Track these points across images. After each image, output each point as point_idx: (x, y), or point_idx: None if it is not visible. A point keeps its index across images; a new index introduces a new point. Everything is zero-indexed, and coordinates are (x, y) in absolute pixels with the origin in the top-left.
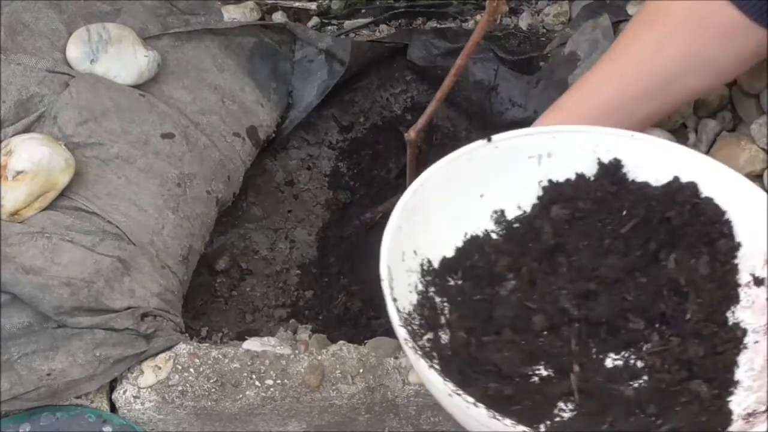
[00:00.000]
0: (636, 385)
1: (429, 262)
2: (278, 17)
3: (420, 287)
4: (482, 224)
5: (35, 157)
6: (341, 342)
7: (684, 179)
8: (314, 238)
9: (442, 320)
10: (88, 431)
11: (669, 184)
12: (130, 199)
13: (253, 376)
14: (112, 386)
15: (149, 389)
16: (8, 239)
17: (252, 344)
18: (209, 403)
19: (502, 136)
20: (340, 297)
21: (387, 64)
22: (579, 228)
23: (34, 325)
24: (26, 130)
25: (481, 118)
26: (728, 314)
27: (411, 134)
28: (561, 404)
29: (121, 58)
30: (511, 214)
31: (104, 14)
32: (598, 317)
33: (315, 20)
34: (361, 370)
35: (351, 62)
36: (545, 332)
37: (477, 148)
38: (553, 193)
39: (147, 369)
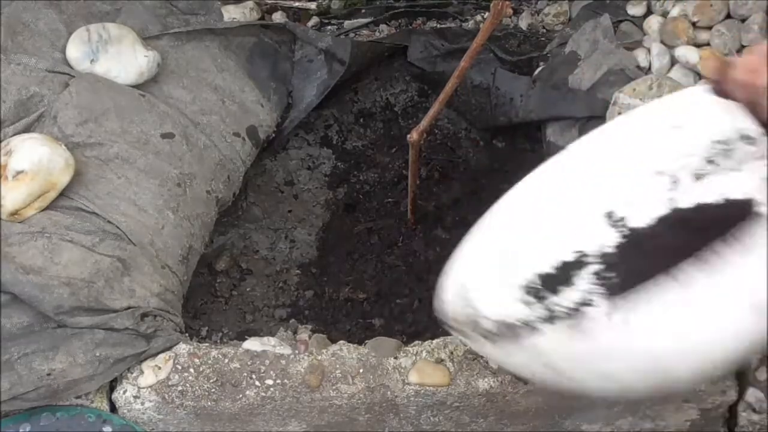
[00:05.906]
0: None
1: None
2: (278, 17)
3: None
4: None
5: (35, 157)
6: (341, 342)
7: None
8: (314, 238)
9: None
10: (88, 431)
11: None
12: (130, 199)
13: (253, 376)
14: (112, 386)
15: (149, 389)
16: (8, 239)
17: (252, 344)
18: (209, 403)
19: None
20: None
21: (387, 64)
22: None
23: (34, 325)
24: (26, 130)
25: (481, 119)
26: None
27: (413, 135)
28: None
29: (121, 58)
30: None
31: (104, 14)
32: None
33: (315, 20)
34: (361, 370)
35: (351, 62)
36: None
37: None
38: None
39: (147, 369)
